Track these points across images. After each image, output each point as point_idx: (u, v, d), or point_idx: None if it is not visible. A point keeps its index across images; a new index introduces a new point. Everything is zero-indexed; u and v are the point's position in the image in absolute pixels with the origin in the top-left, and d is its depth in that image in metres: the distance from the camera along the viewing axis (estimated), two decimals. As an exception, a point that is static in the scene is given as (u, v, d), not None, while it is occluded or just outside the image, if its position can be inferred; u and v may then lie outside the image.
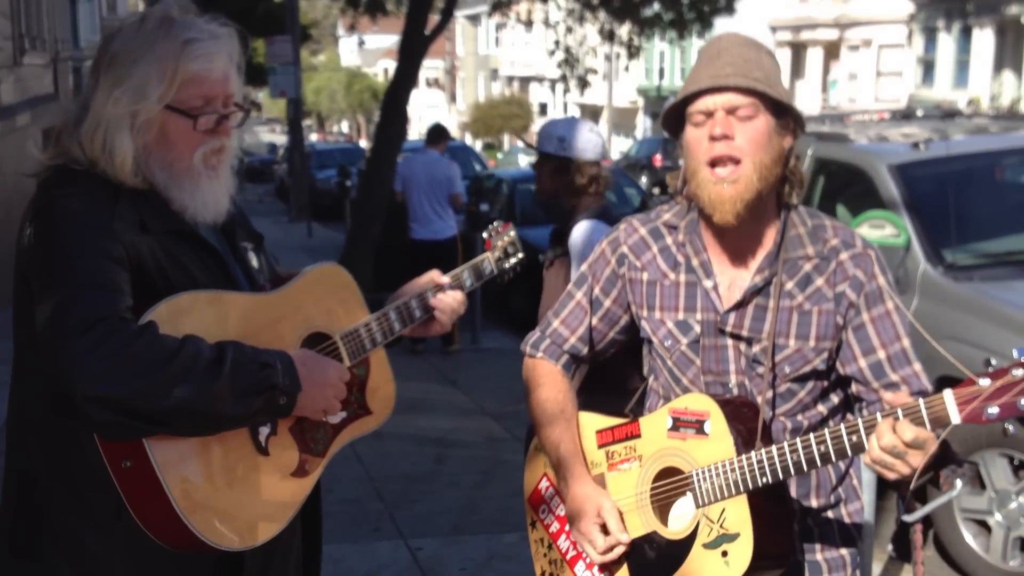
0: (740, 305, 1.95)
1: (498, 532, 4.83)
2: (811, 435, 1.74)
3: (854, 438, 1.68)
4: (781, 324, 1.92)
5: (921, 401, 1.61)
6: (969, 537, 4.55)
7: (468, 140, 50.04)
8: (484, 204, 9.76)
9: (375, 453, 6.03)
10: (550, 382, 2.13)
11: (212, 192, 1.89)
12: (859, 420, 1.69)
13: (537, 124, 51.74)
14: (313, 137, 54.22)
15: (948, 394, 1.58)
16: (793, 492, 1.97)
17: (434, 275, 2.22)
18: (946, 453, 1.73)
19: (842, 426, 1.71)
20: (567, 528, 2.09)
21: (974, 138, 5.92)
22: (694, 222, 2.01)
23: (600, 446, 2.07)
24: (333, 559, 4.58)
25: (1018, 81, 28.74)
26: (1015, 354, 1.57)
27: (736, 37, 1.94)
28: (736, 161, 1.85)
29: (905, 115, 6.86)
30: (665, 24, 11.79)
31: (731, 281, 1.97)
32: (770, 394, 1.94)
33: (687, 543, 1.89)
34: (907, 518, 1.83)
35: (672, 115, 1.96)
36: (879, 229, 3.80)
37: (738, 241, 1.95)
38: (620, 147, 39.05)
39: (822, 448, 1.72)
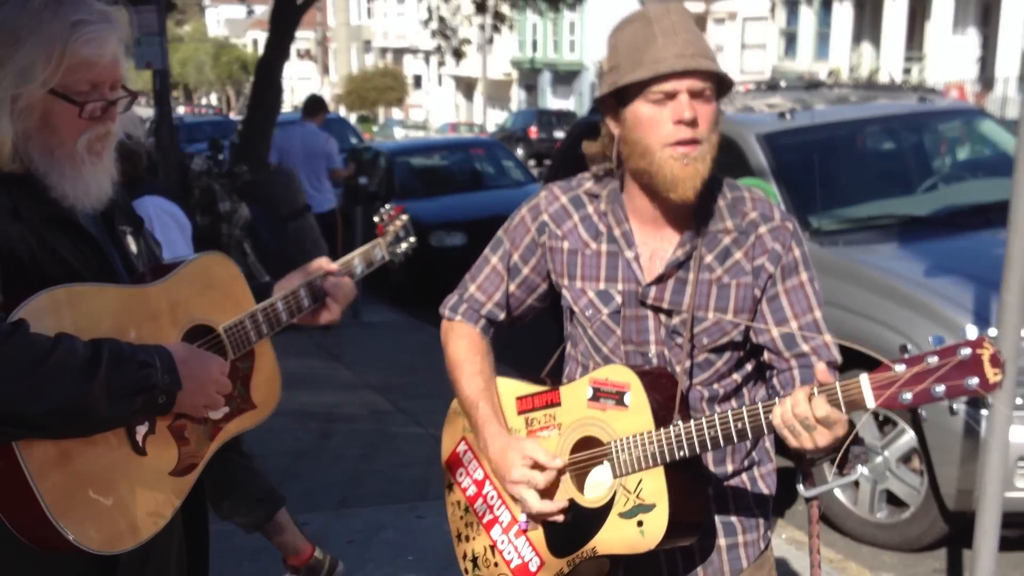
0: (661, 279, 1.97)
1: (385, 504, 4.83)
2: (729, 412, 1.79)
3: (770, 416, 1.73)
4: (700, 297, 1.95)
5: (838, 384, 1.66)
6: (839, 492, 4.75)
7: (343, 112, 49.38)
8: (363, 177, 9.66)
9: (258, 431, 5.86)
10: (467, 344, 2.13)
11: (95, 179, 1.82)
12: (776, 399, 1.74)
13: (412, 96, 51.45)
14: (181, 110, 52.68)
15: (864, 379, 1.62)
16: (709, 457, 2.01)
17: (323, 262, 2.18)
18: (854, 438, 1.77)
19: (759, 405, 1.75)
20: (484, 491, 2.11)
21: (837, 108, 6.13)
22: (616, 192, 2.01)
23: (520, 412, 2.08)
24: (217, 537, 4.50)
25: (876, 53, 29.85)
26: (930, 341, 1.61)
27: (678, 7, 1.91)
28: (698, 142, 1.86)
29: (770, 86, 7.05)
30: (533, -6, 11.86)
31: (652, 252, 1.98)
32: (688, 364, 1.98)
33: (603, 512, 1.92)
34: (805, 494, 1.89)
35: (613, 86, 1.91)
36: (752, 197, 3.92)
37: (661, 212, 1.96)
38: (495, 119, 39.08)
39: (739, 425, 1.76)
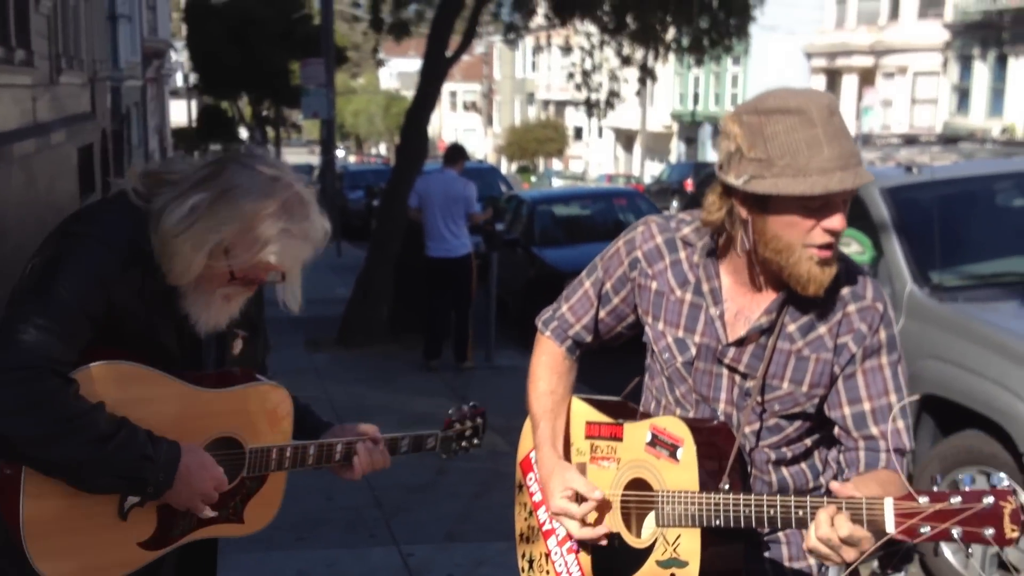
0: (742, 342, 1.97)
1: (489, 540, 4.96)
2: (764, 498, 1.80)
3: (800, 513, 1.75)
4: (777, 367, 1.95)
5: (864, 500, 1.65)
6: (949, 554, 4.61)
7: (503, 163, 50.31)
8: (500, 223, 9.92)
9: (377, 463, 6.20)
10: (548, 361, 2.20)
11: (216, 316, 2.05)
12: (807, 500, 1.75)
13: (572, 148, 51.97)
14: (351, 159, 54.74)
15: (888, 503, 1.62)
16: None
17: (371, 430, 2.32)
18: (899, 544, 1.82)
19: (792, 500, 1.77)
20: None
21: (966, 163, 6.01)
22: (712, 247, 2.00)
23: (587, 437, 2.17)
24: (326, 563, 4.74)
25: (1053, 108, 28.51)
26: (961, 480, 1.60)
27: (835, 103, 1.83)
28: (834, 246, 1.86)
29: (907, 140, 6.96)
30: (683, 48, 11.92)
31: (739, 310, 1.98)
32: (757, 427, 1.99)
33: (644, 554, 1.99)
34: None
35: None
36: (846, 247, 3.91)
37: (754, 277, 1.95)
38: (652, 171, 39.08)
39: (771, 512, 1.78)
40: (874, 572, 1.85)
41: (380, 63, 16.84)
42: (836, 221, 1.81)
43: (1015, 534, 1.52)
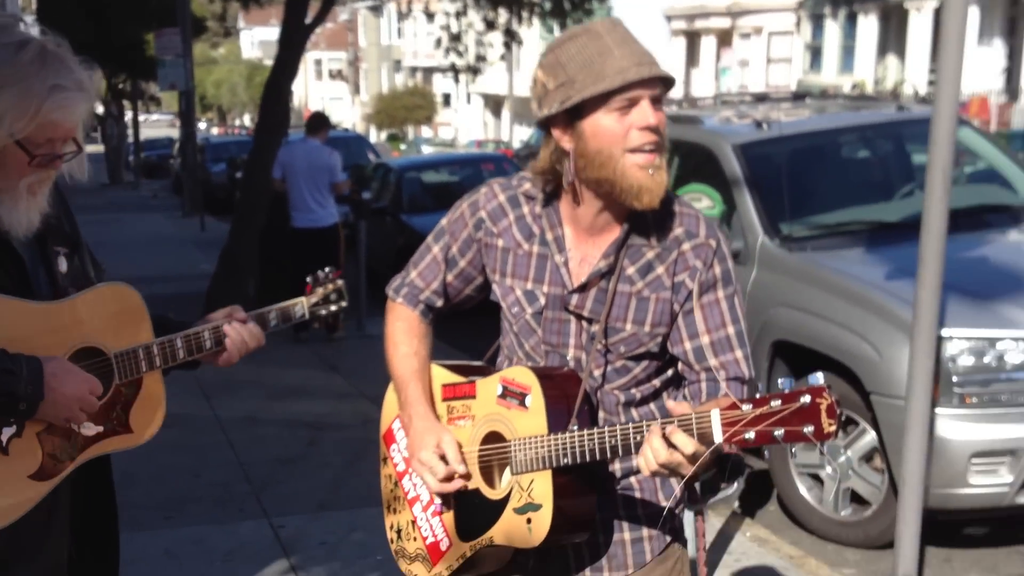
0: (584, 287, 2.02)
1: (362, 507, 4.96)
2: (606, 429, 1.85)
3: (638, 438, 1.79)
4: (619, 309, 2.00)
5: (693, 415, 1.71)
6: (804, 491, 4.83)
7: (372, 132, 49.79)
8: (366, 192, 9.83)
9: (247, 438, 6.13)
10: (405, 327, 2.21)
11: (28, 212, 1.99)
12: (643, 424, 1.80)
13: (441, 114, 51.77)
14: (214, 131, 53.34)
15: (715, 413, 1.67)
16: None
17: (233, 309, 2.28)
18: (730, 458, 1.83)
19: (630, 426, 1.81)
20: (410, 469, 2.21)
21: (814, 118, 6.23)
22: (552, 196, 2.06)
23: (444, 399, 2.19)
24: (193, 540, 4.67)
25: (901, 65, 29.73)
26: (780, 384, 1.66)
27: (619, 20, 1.95)
28: (659, 149, 1.90)
29: (761, 98, 7.14)
30: (545, 12, 11.96)
31: (583, 257, 2.03)
32: (604, 369, 2.04)
33: (502, 504, 2.02)
34: (691, 510, 1.95)
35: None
36: (696, 202, 4.03)
37: (594, 220, 2.00)
38: (521, 136, 39.27)
39: (612, 442, 1.83)
40: (706, 487, 1.93)
41: (228, 32, 16.39)
42: (647, 116, 1.87)
43: (832, 428, 1.58)
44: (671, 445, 1.72)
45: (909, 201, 5.79)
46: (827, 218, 5.53)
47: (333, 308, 2.49)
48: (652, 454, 1.73)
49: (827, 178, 5.99)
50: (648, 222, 1.99)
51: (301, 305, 2.43)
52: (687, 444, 1.68)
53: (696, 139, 6.05)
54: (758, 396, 1.64)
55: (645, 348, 2.02)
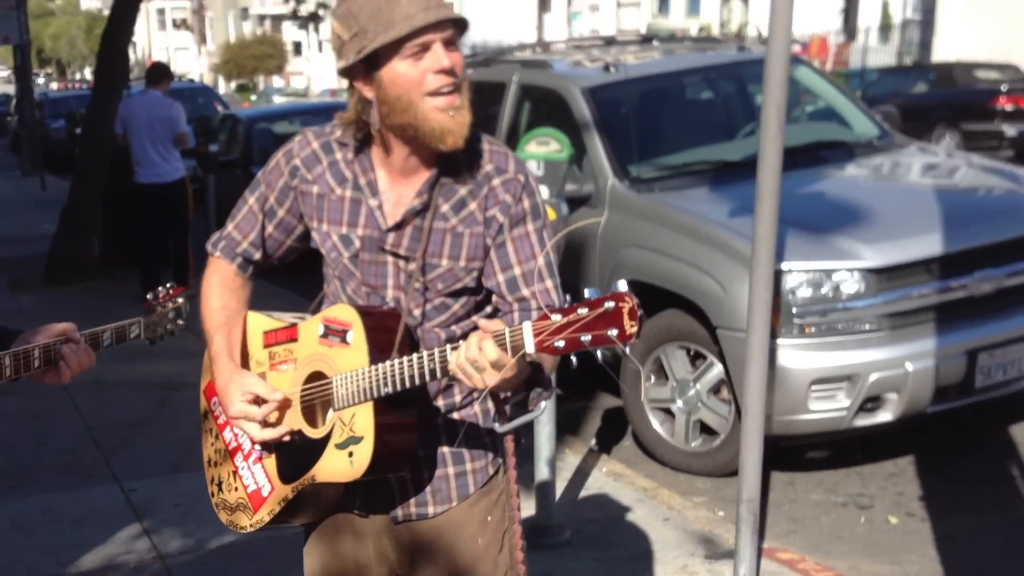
0: (400, 226, 2.04)
1: (219, 466, 4.86)
2: (424, 353, 1.88)
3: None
4: (435, 245, 2.03)
5: (507, 330, 1.75)
6: (656, 424, 4.97)
7: (221, 82, 48.30)
8: (213, 145, 9.54)
9: (94, 402, 5.92)
10: (219, 279, 2.20)
11: None
12: (460, 343, 1.83)
13: (293, 64, 50.55)
14: (53, 86, 50.86)
15: (527, 326, 1.72)
16: (434, 388, 2.09)
17: (68, 329, 2.20)
18: (537, 377, 1.90)
19: (448, 347, 1.85)
20: (230, 421, 2.18)
21: (659, 60, 6.31)
22: (363, 141, 2.07)
23: (265, 346, 2.18)
24: (41, 509, 4.51)
25: (745, 8, 30.44)
26: (586, 293, 1.71)
27: None
28: (458, 90, 1.92)
29: (609, 41, 7.20)
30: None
31: (397, 199, 2.06)
32: (424, 308, 2.07)
33: (323, 443, 2.02)
34: (499, 429, 2.00)
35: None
36: (545, 146, 4.05)
37: (404, 163, 2.03)
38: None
39: (431, 365, 1.86)
40: (516, 409, 1.97)
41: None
42: (441, 60, 1.91)
43: (633, 329, 1.65)
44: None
45: (751, 140, 5.95)
46: (674, 159, 5.64)
47: (170, 328, 2.44)
48: (463, 349, 1.78)
49: (673, 120, 6.10)
50: (459, 160, 2.04)
51: (137, 326, 2.37)
52: (492, 350, 1.74)
53: (546, 83, 6.07)
54: (566, 306, 1.70)
55: (462, 284, 2.06)
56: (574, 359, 1.85)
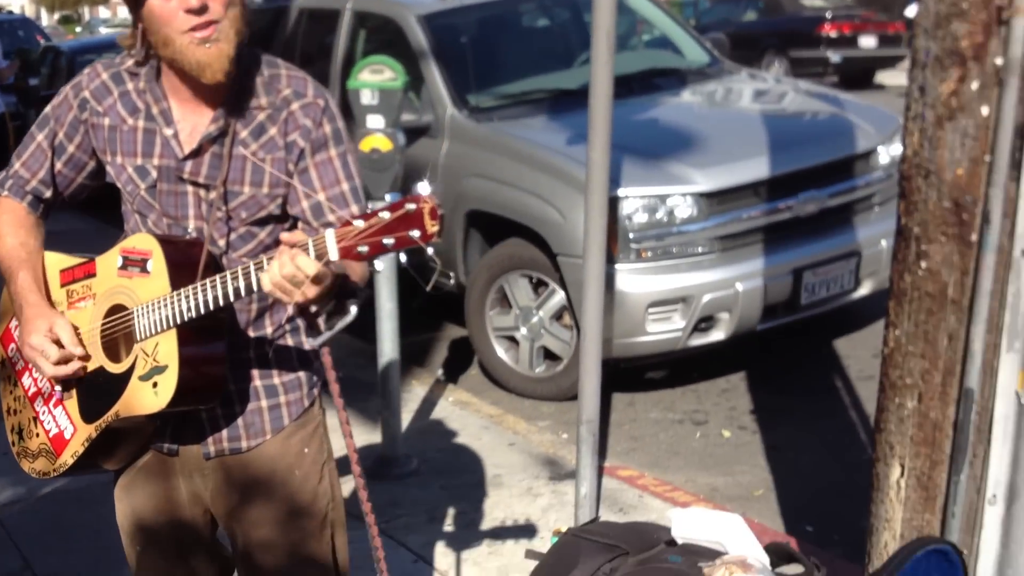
0: (197, 153, 2.00)
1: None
2: (227, 272, 1.85)
3: (260, 273, 1.80)
4: (235, 172, 1.99)
5: (310, 240, 1.73)
6: (502, 352, 5.04)
7: (43, 14, 45.67)
8: (34, 78, 9.04)
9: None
10: (12, 219, 2.11)
11: None
12: (263, 259, 1.80)
13: (119, -8, 48.09)
14: None
15: (329, 233, 1.71)
16: (245, 319, 2.08)
17: None
18: (345, 286, 1.88)
19: (251, 264, 1.82)
20: (30, 366, 2.12)
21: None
22: (154, 69, 2.03)
23: (62, 285, 2.10)
24: None
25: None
26: (387, 197, 1.72)
27: None
28: (215, 22, 1.88)
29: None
30: None
31: (192, 128, 2.01)
32: (228, 237, 2.03)
33: (126, 376, 1.97)
34: (313, 343, 1.98)
35: None
36: (379, 74, 3.98)
37: (197, 90, 1.98)
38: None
39: (235, 284, 1.83)
40: (328, 320, 1.97)
41: None
42: (187, 2, 1.88)
43: (434, 228, 1.66)
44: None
45: (587, 68, 5.98)
46: (512, 87, 5.65)
47: None
48: (277, 266, 1.75)
49: (511, 48, 6.08)
50: (255, 86, 2.01)
51: None
52: (308, 265, 1.73)
53: (381, 10, 5.96)
54: (368, 211, 1.70)
55: (266, 211, 2.03)
56: (378, 264, 1.85)
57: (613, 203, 4.34)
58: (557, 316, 4.84)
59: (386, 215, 1.66)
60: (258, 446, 2.09)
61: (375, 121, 3.79)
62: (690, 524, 3.05)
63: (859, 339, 5.34)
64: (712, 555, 2.91)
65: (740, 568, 2.79)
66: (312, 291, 1.75)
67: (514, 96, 5.53)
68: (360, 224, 1.68)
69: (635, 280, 4.49)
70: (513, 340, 5.01)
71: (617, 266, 4.47)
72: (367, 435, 4.39)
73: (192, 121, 2.01)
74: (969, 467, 2.18)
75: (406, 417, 4.53)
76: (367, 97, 3.77)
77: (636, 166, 4.58)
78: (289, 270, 1.74)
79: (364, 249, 1.68)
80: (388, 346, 3.95)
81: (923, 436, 2.25)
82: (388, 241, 1.66)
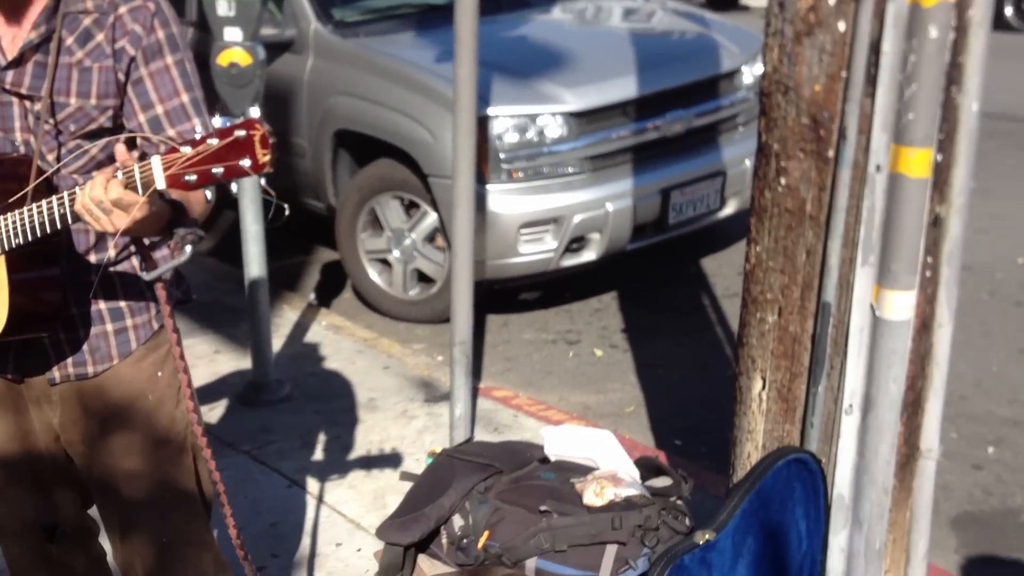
0: (19, 62, 1.88)
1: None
2: (54, 197, 1.75)
3: (74, 204, 1.71)
4: (60, 82, 1.89)
5: (136, 166, 1.64)
6: (375, 275, 4.98)
7: None
8: None
9: None
10: None
11: None
12: (87, 183, 1.70)
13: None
14: None
15: (156, 160, 1.61)
16: (84, 242, 1.98)
17: None
18: (180, 218, 1.79)
19: (77, 188, 1.72)
20: None
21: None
22: None
23: None
24: None
25: None
26: (216, 121, 1.62)
27: None
28: None
29: None
30: None
31: (14, 36, 1.89)
32: (59, 152, 1.92)
33: None
34: (146, 277, 1.89)
35: None
36: (236, -14, 3.82)
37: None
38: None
39: (60, 210, 1.73)
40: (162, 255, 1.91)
41: None
42: None
43: (266, 157, 1.58)
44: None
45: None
46: (379, 1, 5.50)
47: None
48: (88, 188, 1.67)
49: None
50: None
51: None
52: (114, 189, 1.64)
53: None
54: (197, 137, 1.61)
55: (97, 124, 1.93)
56: (208, 194, 1.77)
57: (483, 123, 4.30)
58: (430, 238, 4.79)
59: (215, 141, 1.56)
60: (105, 371, 2.00)
61: (233, 34, 3.63)
62: (562, 441, 3.10)
63: (725, 258, 5.47)
64: (584, 471, 2.97)
65: (611, 482, 2.85)
66: (121, 220, 1.65)
67: (381, 11, 5.39)
68: (187, 151, 1.58)
69: (507, 201, 4.47)
70: (386, 263, 4.95)
71: (488, 187, 4.44)
72: (237, 361, 4.30)
73: (12, 30, 1.89)
74: (827, 379, 2.25)
75: (277, 342, 4.45)
76: (223, 8, 3.60)
77: (506, 85, 4.53)
78: (97, 193, 1.64)
79: (192, 178, 1.58)
80: (255, 269, 3.85)
81: (783, 350, 2.31)
82: (217, 171, 1.57)
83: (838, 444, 2.29)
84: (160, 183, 1.61)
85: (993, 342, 4.51)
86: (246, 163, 1.57)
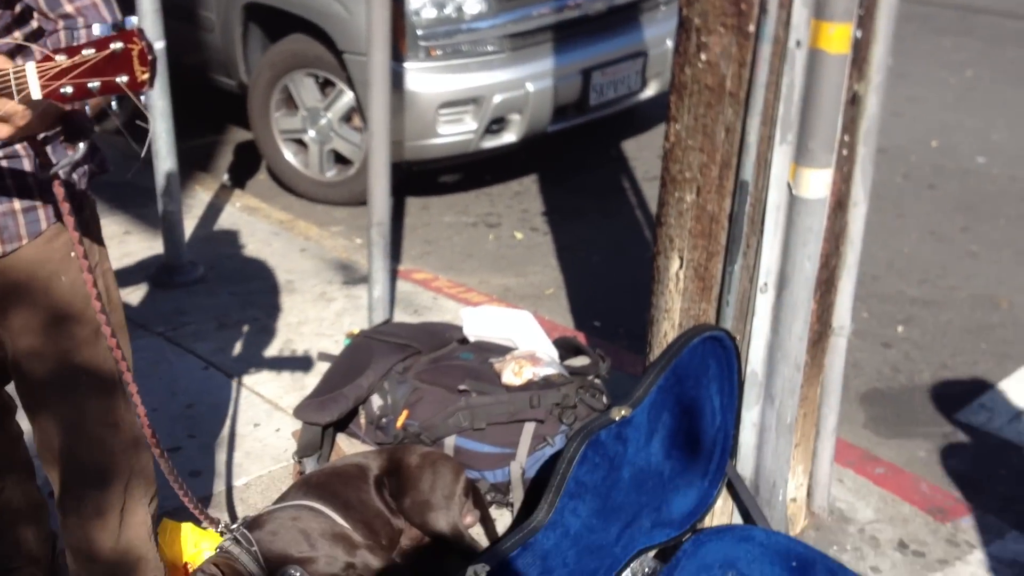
0: None
1: None
2: None
3: None
4: None
5: (11, 71, 1.51)
6: (290, 156, 4.86)
7: None
8: None
9: None
10: None
11: None
12: None
13: None
14: None
15: (31, 68, 1.49)
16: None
17: None
18: (70, 116, 1.70)
19: None
20: None
21: None
22: None
23: None
24: None
25: None
26: (95, 29, 1.48)
27: None
28: None
29: None
30: None
31: None
32: None
33: None
34: (40, 176, 1.80)
35: None
36: None
37: None
38: None
39: None
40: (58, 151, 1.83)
41: None
42: None
43: (145, 76, 1.48)
44: None
45: None
46: None
47: None
48: None
49: None
50: None
51: None
52: (3, 106, 1.53)
53: None
54: (74, 45, 1.50)
55: None
56: (88, 109, 1.67)
57: (400, -3, 4.17)
58: (346, 118, 4.68)
59: (91, 52, 1.45)
60: (15, 251, 1.93)
61: None
62: (481, 322, 3.11)
63: (645, 140, 5.45)
64: (503, 351, 2.99)
65: (529, 362, 2.87)
66: (4, 131, 1.56)
67: None
68: (63, 59, 1.46)
69: (425, 80, 4.37)
70: (301, 143, 4.83)
71: (406, 65, 4.33)
72: (149, 242, 4.20)
73: None
74: (743, 257, 2.27)
75: (190, 224, 4.35)
76: None
77: (424, -42, 4.38)
78: None
79: (68, 91, 1.48)
80: (164, 148, 3.73)
81: (700, 228, 2.31)
82: (93, 85, 1.46)
83: (753, 322, 2.33)
84: (36, 92, 1.50)
85: (905, 224, 4.60)
86: (123, 79, 1.46)
